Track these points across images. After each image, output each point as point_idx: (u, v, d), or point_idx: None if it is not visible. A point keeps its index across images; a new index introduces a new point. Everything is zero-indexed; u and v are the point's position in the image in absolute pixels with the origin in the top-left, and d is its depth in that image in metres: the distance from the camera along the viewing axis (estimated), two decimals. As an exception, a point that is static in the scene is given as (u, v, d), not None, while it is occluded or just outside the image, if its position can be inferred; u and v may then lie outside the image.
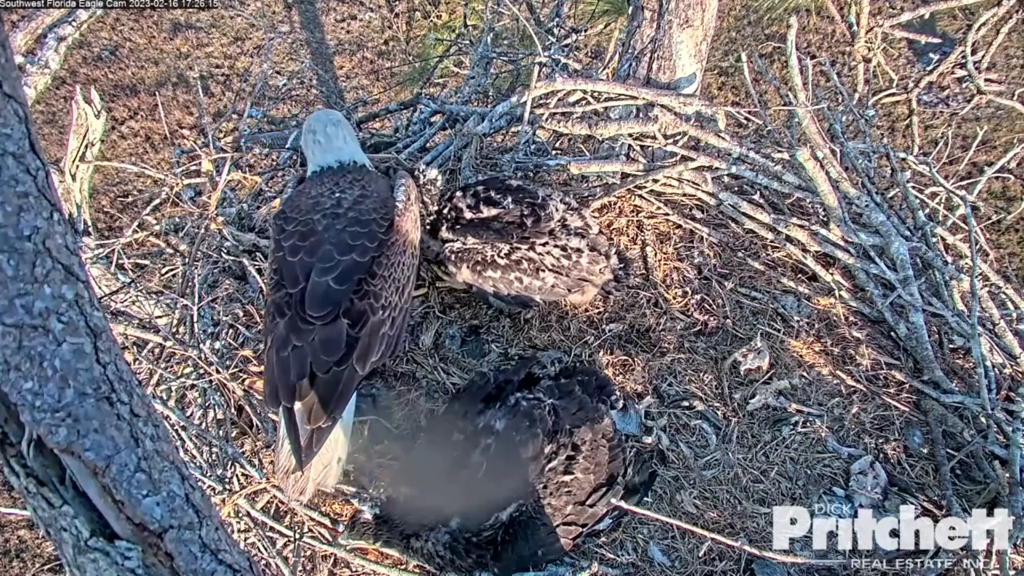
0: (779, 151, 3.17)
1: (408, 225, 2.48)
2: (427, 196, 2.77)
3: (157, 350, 2.88)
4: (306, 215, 2.37)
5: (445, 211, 2.79)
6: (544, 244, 2.74)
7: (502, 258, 2.71)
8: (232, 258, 2.97)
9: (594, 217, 2.99)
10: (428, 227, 2.82)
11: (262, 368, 2.64)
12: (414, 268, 2.52)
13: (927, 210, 3.33)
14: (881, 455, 2.62)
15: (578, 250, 2.78)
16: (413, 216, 2.54)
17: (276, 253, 2.33)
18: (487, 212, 2.75)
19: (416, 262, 2.55)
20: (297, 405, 2.09)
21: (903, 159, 3.40)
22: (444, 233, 2.79)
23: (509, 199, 2.77)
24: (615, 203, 3.28)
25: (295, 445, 2.09)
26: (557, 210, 2.81)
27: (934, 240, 3.06)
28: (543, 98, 3.30)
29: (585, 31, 4.93)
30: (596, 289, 2.86)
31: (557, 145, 3.72)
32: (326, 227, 2.32)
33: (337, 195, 2.44)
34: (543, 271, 2.74)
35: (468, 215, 2.76)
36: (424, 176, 2.76)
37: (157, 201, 3.18)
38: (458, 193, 2.81)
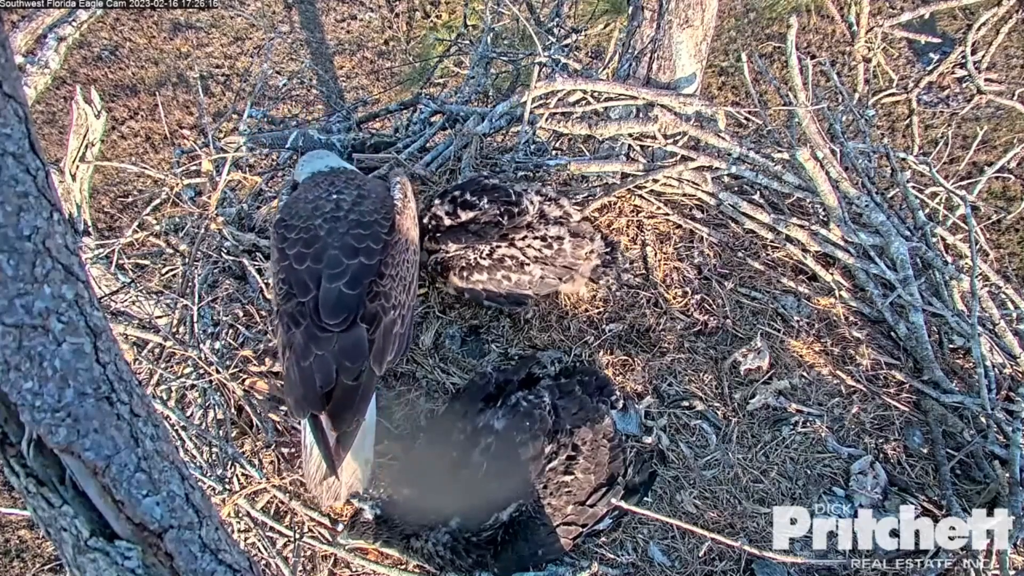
0: (779, 151, 3.17)
1: (408, 223, 2.49)
2: None
3: (157, 350, 2.88)
4: (307, 221, 2.36)
5: (426, 220, 2.79)
6: (523, 238, 2.75)
7: (485, 259, 2.72)
8: (232, 258, 2.97)
9: (577, 208, 2.97)
10: None
11: (262, 369, 2.65)
12: (416, 265, 2.53)
13: (927, 210, 3.33)
14: (881, 455, 2.62)
15: (559, 238, 2.79)
16: (412, 213, 2.55)
17: (281, 262, 2.31)
18: (464, 216, 2.76)
19: (417, 259, 2.56)
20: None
21: (903, 159, 3.40)
22: (427, 244, 2.79)
23: (484, 199, 2.77)
24: (615, 203, 3.28)
25: (325, 451, 2.09)
26: (532, 203, 2.82)
27: (934, 240, 3.06)
28: (543, 98, 3.30)
29: (585, 31, 4.93)
30: (586, 277, 2.86)
31: (557, 145, 3.72)
32: (329, 231, 2.31)
33: (335, 197, 2.44)
34: (528, 264, 2.74)
35: (447, 221, 2.77)
36: None
37: (157, 201, 3.18)
38: (436, 201, 2.81)
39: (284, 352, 2.22)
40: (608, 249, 2.92)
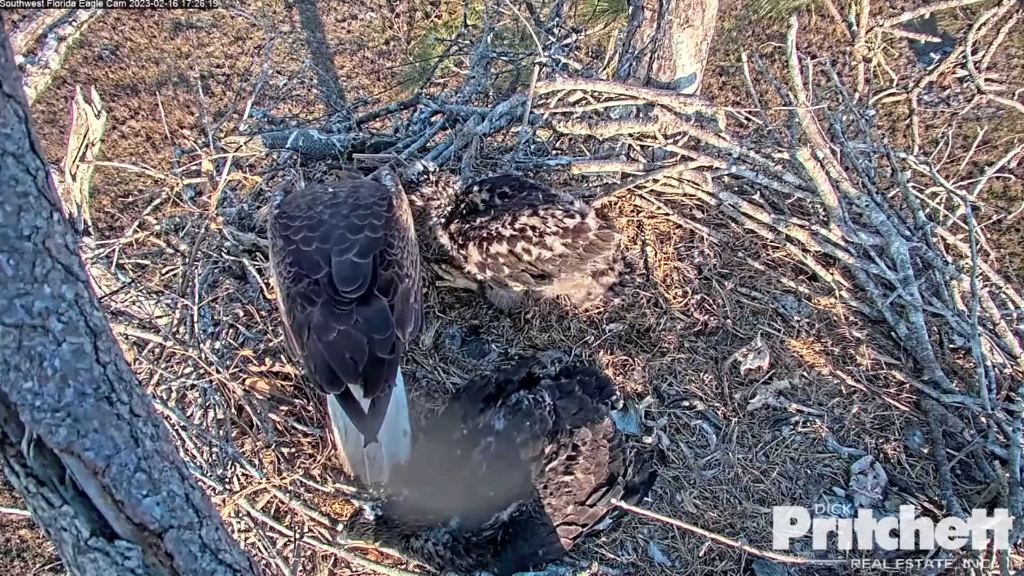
0: (779, 151, 3.17)
1: (404, 205, 2.55)
2: (428, 187, 2.78)
3: (157, 350, 2.87)
4: (308, 211, 2.41)
5: (462, 206, 2.81)
6: (547, 209, 2.73)
7: (506, 228, 2.70)
8: (232, 258, 2.97)
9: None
10: (443, 221, 2.83)
11: (262, 368, 2.65)
12: (416, 249, 2.57)
13: (927, 210, 3.32)
14: (881, 455, 2.62)
15: (582, 212, 2.77)
16: (405, 201, 2.60)
17: (287, 247, 2.34)
18: (500, 204, 2.78)
19: (416, 245, 2.59)
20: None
21: (903, 159, 3.40)
22: (456, 226, 2.80)
23: (523, 193, 2.80)
24: (615, 203, 3.28)
25: (360, 420, 2.13)
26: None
27: (934, 240, 3.06)
28: (543, 98, 3.30)
29: (585, 31, 4.92)
30: (601, 291, 2.85)
31: (557, 145, 3.72)
32: (332, 215, 2.38)
33: (332, 191, 2.52)
34: (547, 235, 2.71)
35: (482, 209, 2.79)
36: (411, 172, 2.77)
37: (157, 201, 3.18)
38: (475, 187, 2.84)
39: (301, 333, 2.21)
40: (628, 270, 2.93)
